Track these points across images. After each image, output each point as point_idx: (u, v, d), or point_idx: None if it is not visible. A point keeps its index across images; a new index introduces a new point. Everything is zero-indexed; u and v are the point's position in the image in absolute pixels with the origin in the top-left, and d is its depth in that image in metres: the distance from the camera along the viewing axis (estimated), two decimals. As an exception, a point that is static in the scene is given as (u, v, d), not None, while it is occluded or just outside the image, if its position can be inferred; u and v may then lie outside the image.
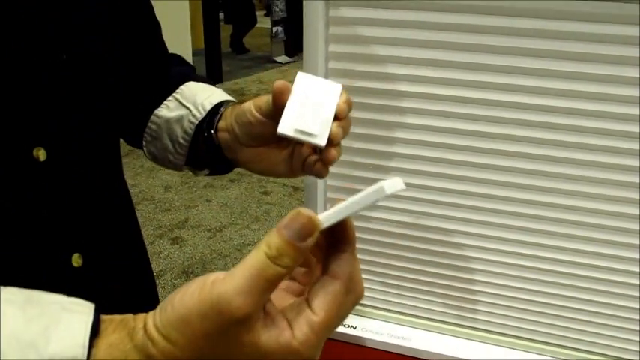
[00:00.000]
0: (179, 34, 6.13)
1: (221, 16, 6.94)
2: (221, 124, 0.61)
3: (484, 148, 0.69)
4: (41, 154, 0.51)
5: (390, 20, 0.67)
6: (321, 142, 0.50)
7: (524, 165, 0.68)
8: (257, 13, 7.85)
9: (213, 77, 5.80)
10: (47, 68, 0.51)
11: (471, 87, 0.67)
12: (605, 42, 0.61)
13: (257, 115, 0.55)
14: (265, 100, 0.54)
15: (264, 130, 0.55)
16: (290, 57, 7.13)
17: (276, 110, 0.52)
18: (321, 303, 0.34)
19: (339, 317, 0.35)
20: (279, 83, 0.52)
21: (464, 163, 0.70)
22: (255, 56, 7.50)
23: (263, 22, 8.60)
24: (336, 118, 0.51)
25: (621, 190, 0.66)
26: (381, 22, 0.67)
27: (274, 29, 6.96)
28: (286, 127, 0.50)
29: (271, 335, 0.33)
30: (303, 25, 0.68)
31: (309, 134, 0.50)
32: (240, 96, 5.35)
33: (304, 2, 0.66)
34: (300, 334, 0.33)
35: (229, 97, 0.66)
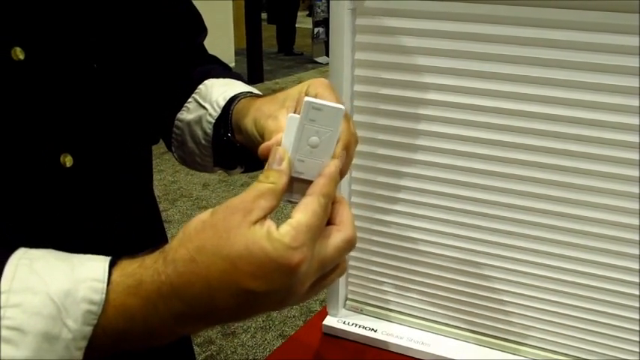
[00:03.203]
0: (222, 33, 6.23)
1: (264, 15, 7.01)
2: (234, 125, 0.58)
3: (498, 157, 0.69)
4: (67, 160, 0.52)
5: (416, 29, 0.67)
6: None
7: (536, 174, 0.68)
8: (299, 13, 7.90)
9: (255, 77, 5.88)
10: (78, 78, 0.53)
11: (497, 97, 0.67)
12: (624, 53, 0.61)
13: (260, 140, 0.50)
14: (265, 129, 0.49)
15: None
16: (331, 58, 7.14)
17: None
18: (296, 212, 0.40)
19: (316, 227, 0.39)
20: (263, 149, 0.45)
21: (483, 171, 0.70)
22: (297, 56, 7.56)
23: (305, 23, 8.64)
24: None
25: (624, 201, 0.66)
26: (407, 30, 0.68)
27: (316, 30, 6.99)
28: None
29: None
30: (330, 33, 0.69)
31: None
32: (280, 96, 5.38)
33: (331, 11, 0.68)
34: (276, 233, 0.38)
35: (246, 89, 0.62)
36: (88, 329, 0.37)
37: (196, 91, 0.64)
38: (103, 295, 0.38)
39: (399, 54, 0.69)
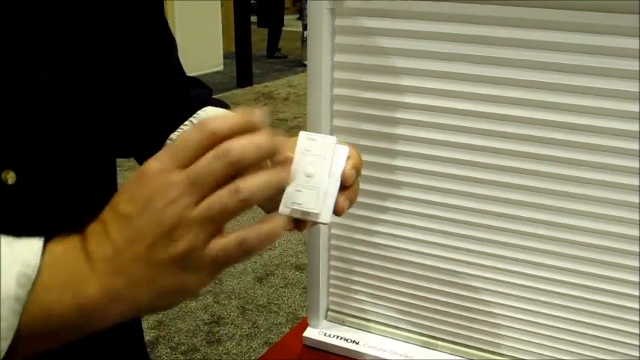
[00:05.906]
0: (211, 37, 6.20)
1: (254, 19, 7.00)
2: None
3: (481, 163, 0.67)
4: (10, 177, 0.49)
5: (397, 30, 0.65)
6: (324, 219, 0.47)
7: (519, 181, 0.66)
8: (290, 17, 7.90)
9: (244, 80, 5.86)
10: (23, 89, 0.49)
11: (481, 100, 0.65)
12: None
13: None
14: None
15: None
16: (321, 61, 7.15)
17: None
18: None
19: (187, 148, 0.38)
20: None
21: (466, 178, 0.68)
22: (286, 59, 7.55)
23: (295, 26, 8.65)
24: (343, 185, 0.48)
25: (621, 210, 0.64)
26: (388, 31, 0.66)
27: (305, 33, 6.99)
28: (287, 205, 0.46)
29: None
30: (308, 34, 0.66)
31: (310, 213, 0.46)
32: (270, 99, 5.38)
33: (309, 11, 0.65)
34: None
35: None
36: (22, 291, 0.37)
37: (195, 115, 0.65)
38: (38, 259, 0.39)
39: (380, 56, 0.67)
